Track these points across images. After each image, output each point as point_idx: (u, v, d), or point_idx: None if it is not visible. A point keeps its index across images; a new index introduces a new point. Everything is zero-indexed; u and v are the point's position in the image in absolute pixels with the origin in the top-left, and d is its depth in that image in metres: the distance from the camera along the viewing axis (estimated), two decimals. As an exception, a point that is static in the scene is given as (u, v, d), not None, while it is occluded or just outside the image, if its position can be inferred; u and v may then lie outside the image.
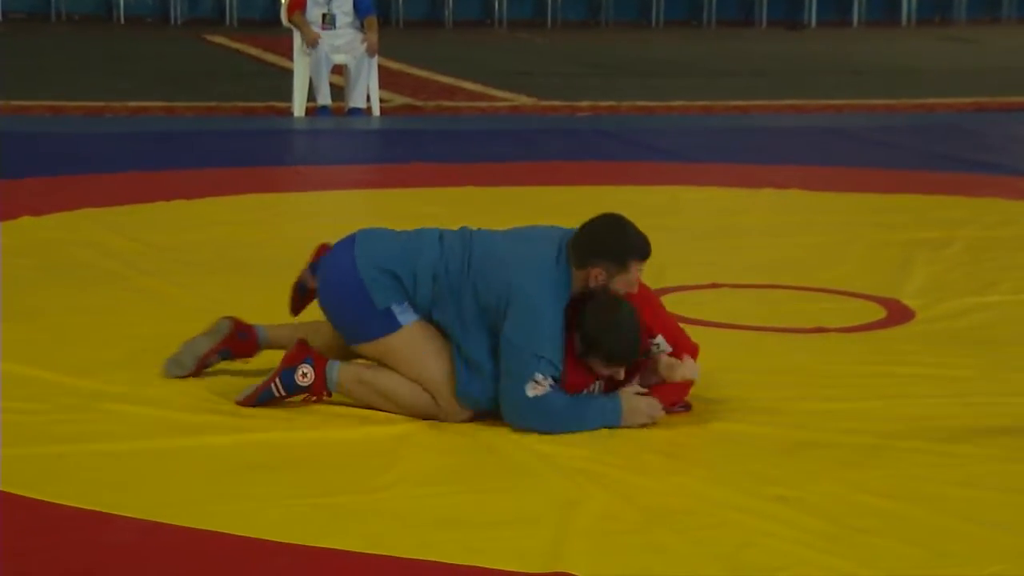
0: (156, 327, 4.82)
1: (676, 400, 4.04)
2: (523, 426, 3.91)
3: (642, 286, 4.06)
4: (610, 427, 3.93)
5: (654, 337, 4.00)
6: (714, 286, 5.49)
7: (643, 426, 3.94)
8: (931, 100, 12.92)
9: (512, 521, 3.30)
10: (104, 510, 3.29)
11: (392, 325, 4.01)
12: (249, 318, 4.59)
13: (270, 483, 3.50)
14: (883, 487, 3.53)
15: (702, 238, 6.63)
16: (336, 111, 11.11)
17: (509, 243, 4.05)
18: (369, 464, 3.64)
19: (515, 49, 18.65)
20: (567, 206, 6.83)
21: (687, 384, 4.05)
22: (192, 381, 4.23)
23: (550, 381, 3.90)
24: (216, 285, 5.47)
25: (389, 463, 3.64)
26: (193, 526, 3.20)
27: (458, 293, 3.96)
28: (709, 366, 4.16)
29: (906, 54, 18.31)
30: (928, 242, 6.52)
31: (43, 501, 3.32)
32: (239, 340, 4.35)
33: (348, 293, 4.03)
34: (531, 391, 3.87)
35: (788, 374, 4.50)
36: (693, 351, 4.07)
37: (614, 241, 3.97)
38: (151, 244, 6.21)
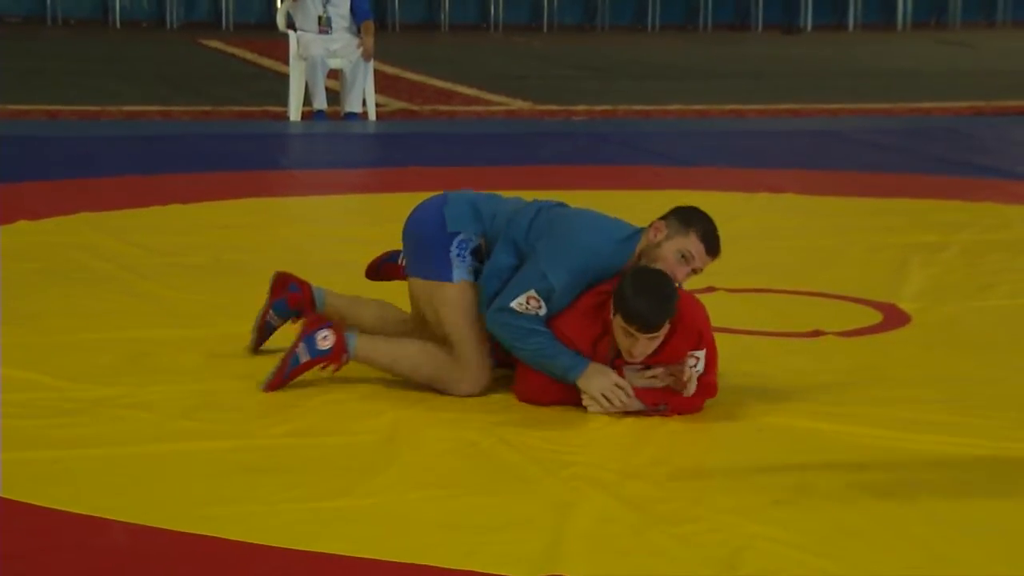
0: (153, 331, 4.82)
1: (657, 400, 4.05)
2: (491, 328, 4.11)
3: (707, 328, 4.08)
4: (566, 380, 4.03)
5: (699, 350, 4.03)
6: (710, 290, 5.49)
7: (602, 406, 3.99)
8: (927, 104, 12.94)
9: (509, 524, 3.30)
10: (100, 515, 3.28)
11: (445, 273, 4.18)
12: (246, 322, 4.59)
13: (266, 487, 3.50)
14: (880, 492, 3.53)
15: (698, 242, 6.63)
16: (332, 115, 11.11)
17: (581, 212, 4.26)
18: (364, 468, 3.64)
19: (511, 53, 18.65)
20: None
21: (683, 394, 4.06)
22: (190, 386, 4.22)
23: (540, 309, 4.02)
24: (213, 289, 5.47)
25: (384, 467, 3.64)
26: (189, 530, 3.20)
27: (515, 239, 4.17)
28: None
29: (902, 57, 18.33)
30: (925, 246, 6.53)
31: (40, 506, 3.32)
32: (291, 292, 4.47)
33: (427, 216, 4.26)
34: (516, 303, 4.05)
35: (784, 378, 4.50)
36: (708, 389, 4.09)
37: (690, 210, 4.20)
38: (148, 248, 6.21)
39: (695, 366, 4.03)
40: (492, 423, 3.98)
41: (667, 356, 4.02)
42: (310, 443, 3.84)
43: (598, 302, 4.05)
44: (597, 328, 4.04)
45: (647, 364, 4.03)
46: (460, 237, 4.21)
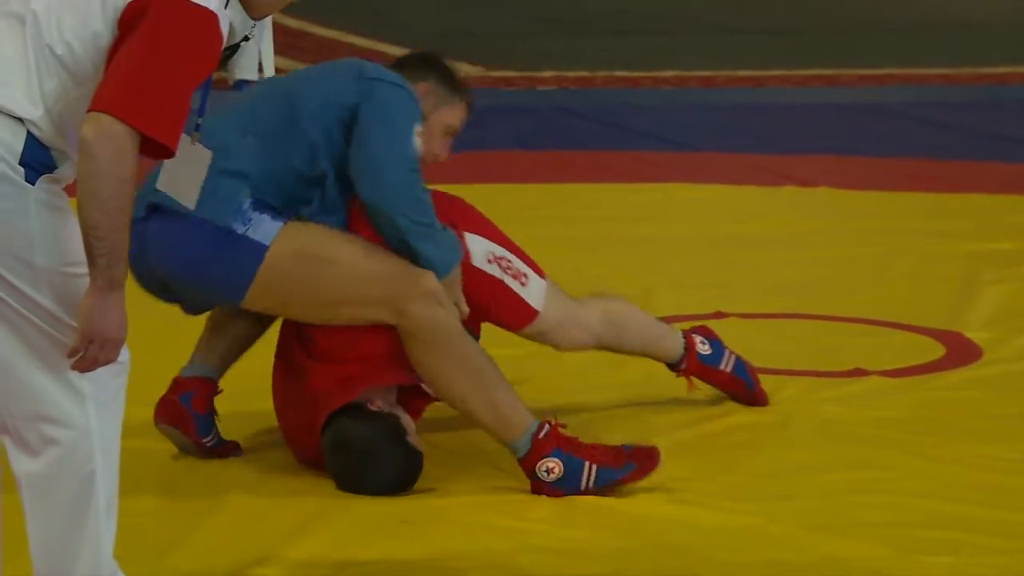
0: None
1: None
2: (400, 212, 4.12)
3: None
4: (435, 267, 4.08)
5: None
6: (719, 315, 5.52)
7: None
8: (1002, 68, 13.05)
9: None
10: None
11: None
12: None
13: None
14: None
15: (702, 252, 6.68)
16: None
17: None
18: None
19: (453, 1, 18.69)
20: (526, 209, 6.84)
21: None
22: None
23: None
24: None
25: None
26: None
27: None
28: (707, 419, 4.18)
29: (968, 4, 18.49)
30: (999, 256, 6.59)
31: None
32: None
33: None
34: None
35: (814, 433, 4.54)
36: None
37: (442, 67, 4.29)
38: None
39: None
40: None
41: None
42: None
43: None
44: None
45: None
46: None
